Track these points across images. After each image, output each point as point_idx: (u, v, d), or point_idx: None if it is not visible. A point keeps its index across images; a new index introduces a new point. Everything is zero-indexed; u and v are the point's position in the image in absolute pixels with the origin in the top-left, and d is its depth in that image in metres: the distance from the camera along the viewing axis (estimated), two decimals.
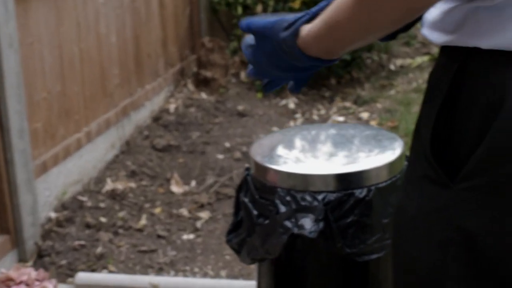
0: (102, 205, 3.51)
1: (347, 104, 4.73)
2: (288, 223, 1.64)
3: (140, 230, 3.31)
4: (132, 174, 3.82)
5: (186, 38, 5.01)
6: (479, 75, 0.98)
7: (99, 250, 3.13)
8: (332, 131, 1.90)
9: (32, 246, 3.10)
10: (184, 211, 3.46)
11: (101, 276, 2.82)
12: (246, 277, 2.92)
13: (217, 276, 2.97)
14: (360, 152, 1.77)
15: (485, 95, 0.97)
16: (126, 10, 4.16)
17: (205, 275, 2.98)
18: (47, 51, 3.37)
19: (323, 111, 4.63)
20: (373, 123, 4.38)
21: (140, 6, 4.33)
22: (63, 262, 3.05)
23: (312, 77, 1.26)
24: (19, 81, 3.02)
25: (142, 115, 4.36)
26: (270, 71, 1.21)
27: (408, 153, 1.19)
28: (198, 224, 3.36)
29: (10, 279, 2.28)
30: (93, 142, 3.78)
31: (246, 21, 1.21)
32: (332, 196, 1.64)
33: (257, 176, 1.76)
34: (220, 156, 4.02)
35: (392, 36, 1.23)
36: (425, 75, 4.95)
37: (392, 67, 5.28)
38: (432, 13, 1.05)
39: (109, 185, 3.66)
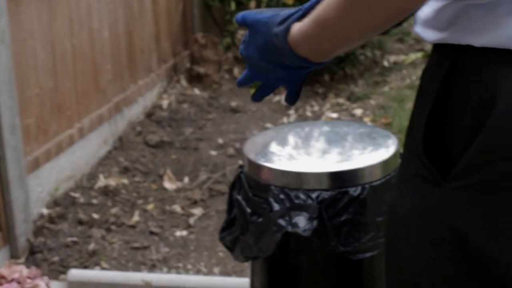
0: (94, 201, 3.50)
1: (341, 100, 4.73)
2: (282, 221, 1.63)
3: (132, 227, 3.30)
4: (125, 170, 3.81)
5: (179, 34, 4.99)
6: (471, 73, 0.98)
7: (91, 246, 3.12)
8: (326, 128, 1.89)
9: (24, 243, 3.08)
10: (177, 208, 3.46)
11: (93, 273, 2.81)
12: (240, 274, 2.92)
13: (210, 273, 2.96)
14: (354, 150, 1.76)
15: (477, 93, 0.97)
16: (119, 5, 4.14)
17: (198, 272, 2.97)
18: (39, 46, 3.35)
19: (316, 108, 4.63)
20: (366, 119, 4.37)
21: (133, 1, 4.31)
22: (55, 258, 3.03)
23: (304, 84, 1.23)
24: (10, 76, 3.00)
25: (135, 111, 4.35)
26: (260, 67, 1.18)
27: (402, 151, 1.19)
28: (191, 220, 3.35)
29: (1, 277, 2.26)
30: (86, 138, 3.76)
31: (242, 14, 1.20)
32: (326, 194, 1.64)
33: (250, 174, 1.75)
34: (213, 153, 4.01)
35: (384, 31, 1.22)
36: (419, 72, 4.95)
37: (385, 63, 5.27)
38: (425, 11, 1.05)
39: (101, 181, 3.64)
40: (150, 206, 3.47)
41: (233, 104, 4.67)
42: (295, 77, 1.20)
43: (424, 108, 1.02)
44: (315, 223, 1.61)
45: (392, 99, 4.66)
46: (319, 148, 1.79)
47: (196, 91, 4.86)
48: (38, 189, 3.33)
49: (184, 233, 3.26)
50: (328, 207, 1.63)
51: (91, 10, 3.82)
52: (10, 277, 2.19)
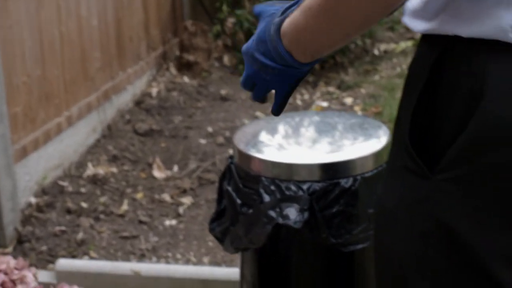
0: (83, 190, 3.47)
1: (331, 89, 4.71)
2: (272, 213, 1.62)
3: (121, 216, 3.28)
4: (114, 159, 3.78)
5: (169, 22, 4.96)
6: (460, 63, 0.98)
7: (80, 236, 3.09)
8: (317, 118, 1.87)
9: (11, 232, 3.06)
10: (166, 197, 3.44)
11: (82, 263, 2.79)
12: (229, 263, 2.90)
13: (199, 262, 2.95)
14: (345, 141, 1.74)
15: (466, 83, 0.96)
16: None
17: (187, 261, 2.96)
18: (27, 34, 3.31)
19: (306, 96, 4.61)
20: (357, 108, 4.36)
21: None
22: (44, 248, 3.01)
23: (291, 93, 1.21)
24: None
25: (124, 99, 4.32)
26: (254, 59, 1.17)
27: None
28: (181, 209, 3.33)
29: None
30: (74, 126, 3.73)
31: (257, 5, 1.20)
32: (317, 186, 1.62)
33: (240, 165, 1.74)
34: (203, 141, 3.99)
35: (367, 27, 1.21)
36: (409, 60, 4.91)
37: (376, 52, 5.26)
38: (413, 2, 1.04)
39: (90, 170, 3.62)
40: (139, 195, 3.45)
41: (223, 92, 4.65)
42: (282, 80, 1.17)
43: (411, 99, 1.02)
44: (306, 214, 1.60)
45: (382, 87, 4.65)
46: (310, 139, 1.78)
47: (186, 79, 4.84)
48: (26, 177, 3.30)
49: (174, 222, 3.24)
50: (319, 198, 1.62)
51: None
52: None
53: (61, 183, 3.51)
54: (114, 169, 3.67)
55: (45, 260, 2.94)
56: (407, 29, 5.52)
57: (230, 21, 5.07)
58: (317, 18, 1.03)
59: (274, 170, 1.66)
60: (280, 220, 1.60)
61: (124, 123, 4.18)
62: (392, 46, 5.34)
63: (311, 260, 1.72)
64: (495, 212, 0.95)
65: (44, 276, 2.66)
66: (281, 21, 1.10)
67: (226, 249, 1.83)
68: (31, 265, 2.67)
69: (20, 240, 3.06)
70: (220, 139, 3.99)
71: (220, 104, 4.52)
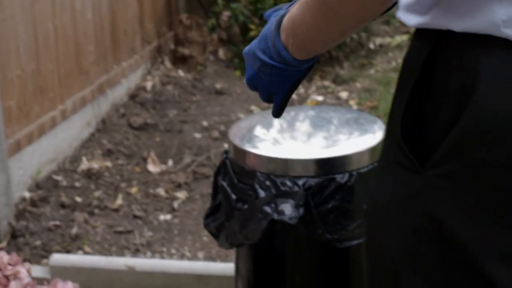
0: (77, 184, 3.46)
1: (326, 83, 4.70)
2: (267, 209, 1.61)
3: (116, 210, 3.27)
4: (108, 153, 3.77)
5: (164, 15, 4.94)
6: (452, 58, 0.98)
7: (74, 230, 3.08)
8: (312, 113, 1.86)
9: (5, 227, 3.05)
10: (161, 191, 3.42)
11: (76, 258, 2.78)
12: (224, 259, 2.89)
13: (194, 257, 2.94)
14: (341, 136, 1.73)
15: (458, 78, 0.96)
16: None
17: (182, 256, 2.95)
18: (21, 27, 3.29)
19: (301, 90, 4.59)
20: (352, 102, 4.35)
21: None
22: (38, 243, 3.00)
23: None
24: None
25: (119, 93, 4.30)
26: (255, 57, 1.17)
27: None
28: (175, 204, 3.32)
29: None
30: (68, 120, 3.72)
31: (268, 11, 1.21)
32: (312, 181, 1.61)
33: (236, 160, 1.73)
34: (198, 135, 3.98)
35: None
36: None
37: (371, 46, 5.24)
38: None
39: (84, 164, 3.60)
40: (133, 190, 3.44)
41: (218, 86, 4.63)
42: (280, 81, 1.18)
43: (404, 93, 1.02)
44: (301, 210, 1.59)
45: (378, 82, 4.64)
46: (305, 134, 1.77)
47: (181, 72, 4.82)
48: (20, 172, 3.28)
49: (168, 217, 3.23)
50: (315, 194, 1.61)
51: None
52: None
53: (55, 177, 3.49)
54: (109, 164, 3.65)
55: (39, 255, 2.93)
56: (403, 23, 5.51)
57: (225, 14, 5.05)
58: (313, 12, 1.02)
59: (270, 166, 1.65)
60: (276, 216, 1.59)
61: (118, 117, 4.16)
62: (387, 40, 5.33)
63: (306, 256, 1.71)
64: (488, 207, 0.94)
65: (38, 271, 2.65)
66: (282, 16, 1.11)
67: (221, 245, 1.82)
68: (25, 260, 2.66)
69: (14, 235, 3.05)
70: (215, 133, 3.98)
71: (215, 98, 4.51)
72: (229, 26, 5.02)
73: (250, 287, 1.80)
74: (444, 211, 0.96)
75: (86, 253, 2.94)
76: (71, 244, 3.01)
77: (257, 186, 1.64)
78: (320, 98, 4.45)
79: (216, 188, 1.81)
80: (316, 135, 1.75)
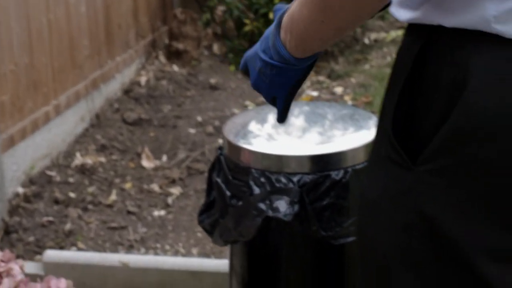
0: (71, 180, 3.44)
1: (321, 78, 4.69)
2: (262, 205, 1.60)
3: (110, 206, 3.25)
4: (102, 148, 3.75)
5: (158, 9, 4.92)
6: (443, 53, 0.98)
7: (67, 226, 3.07)
8: (307, 109, 1.85)
9: None
10: (155, 187, 3.41)
11: (69, 254, 2.76)
12: (218, 255, 2.88)
13: (188, 253, 2.93)
14: (336, 132, 1.72)
15: (449, 74, 0.96)
16: None
17: (176, 252, 2.94)
18: (14, 21, 3.27)
19: None
20: (347, 98, 4.34)
21: None
22: (31, 239, 2.98)
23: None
24: None
25: (113, 88, 4.29)
26: (256, 57, 1.19)
27: None
28: (169, 200, 3.31)
29: None
30: (62, 115, 3.70)
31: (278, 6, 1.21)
32: (307, 178, 1.60)
33: (230, 156, 1.72)
34: (192, 130, 3.97)
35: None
36: None
37: (366, 41, 5.23)
38: None
39: (78, 160, 3.59)
40: (127, 185, 3.42)
41: (212, 81, 4.62)
42: (280, 82, 1.18)
43: (395, 88, 1.02)
44: (296, 207, 1.58)
45: (373, 77, 4.63)
46: (300, 130, 1.75)
47: (175, 67, 4.80)
48: (13, 167, 3.27)
49: (162, 212, 3.21)
50: (310, 191, 1.60)
51: None
52: None
53: (49, 173, 3.47)
54: (103, 159, 3.64)
55: (32, 251, 2.91)
56: None
57: (220, 9, 5.03)
58: (311, 9, 1.03)
59: (264, 162, 1.64)
60: (270, 213, 1.58)
61: (112, 112, 4.14)
62: (382, 35, 5.32)
63: (301, 253, 1.70)
64: (479, 202, 0.94)
65: (31, 267, 2.63)
66: (283, 14, 1.12)
67: (215, 242, 1.81)
68: (18, 256, 2.65)
69: (7, 231, 3.03)
70: (210, 129, 3.97)
71: (209, 93, 4.49)
72: (223, 21, 5.00)
73: (245, 283, 1.79)
74: (435, 207, 0.95)
75: (79, 249, 2.93)
76: (65, 240, 2.99)
77: (251, 182, 1.63)
78: (315, 93, 4.44)
79: (210, 184, 1.80)
80: (311, 131, 1.74)
